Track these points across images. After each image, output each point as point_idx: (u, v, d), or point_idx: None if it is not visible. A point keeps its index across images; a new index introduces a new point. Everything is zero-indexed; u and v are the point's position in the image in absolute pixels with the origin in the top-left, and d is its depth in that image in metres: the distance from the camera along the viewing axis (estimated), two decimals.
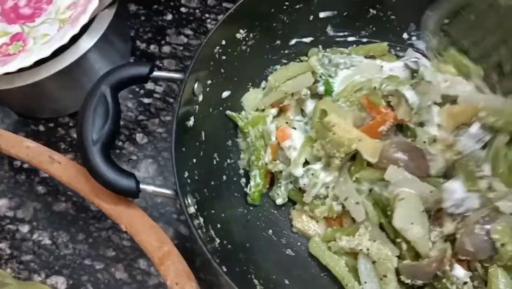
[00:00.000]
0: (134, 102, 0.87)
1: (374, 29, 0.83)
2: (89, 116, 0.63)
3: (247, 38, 0.76)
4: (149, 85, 0.88)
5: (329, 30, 0.83)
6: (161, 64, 0.90)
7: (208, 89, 0.72)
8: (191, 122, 0.69)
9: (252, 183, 0.75)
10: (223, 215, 0.72)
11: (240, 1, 0.72)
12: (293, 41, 0.81)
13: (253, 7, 0.74)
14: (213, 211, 0.70)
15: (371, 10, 0.81)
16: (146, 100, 0.88)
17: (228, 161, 0.77)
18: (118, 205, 0.65)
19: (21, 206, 0.81)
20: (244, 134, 0.78)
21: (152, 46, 0.91)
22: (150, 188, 0.64)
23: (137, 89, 0.88)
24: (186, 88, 0.67)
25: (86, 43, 0.76)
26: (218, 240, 0.67)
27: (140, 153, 0.84)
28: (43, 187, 0.82)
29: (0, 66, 0.73)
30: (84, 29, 0.76)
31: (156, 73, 0.68)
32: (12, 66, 0.73)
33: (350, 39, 0.84)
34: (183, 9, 0.94)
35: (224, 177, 0.75)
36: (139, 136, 0.85)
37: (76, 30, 0.73)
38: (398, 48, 0.83)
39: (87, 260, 0.77)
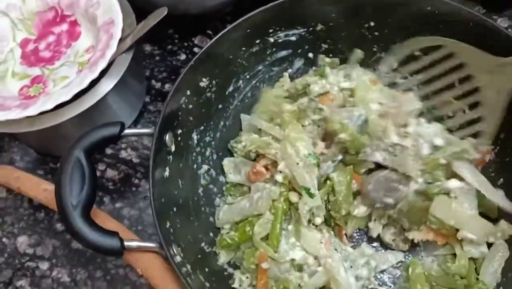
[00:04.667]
0: (150, 139, 0.89)
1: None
2: (66, 183, 0.64)
3: (210, 85, 0.79)
4: None
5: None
6: None
7: (179, 138, 0.75)
8: (166, 172, 0.72)
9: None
10: None
11: (199, 53, 0.75)
12: (254, 82, 0.85)
13: (212, 56, 0.77)
14: (199, 256, 0.72)
15: (323, 45, 0.85)
16: None
17: None
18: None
19: (40, 243, 0.83)
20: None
21: (167, 86, 0.94)
22: (134, 244, 0.65)
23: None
24: (158, 141, 0.69)
25: (105, 86, 0.77)
26: (207, 284, 0.69)
27: None
28: (61, 224, 0.84)
29: (21, 110, 0.75)
30: (103, 72, 0.78)
31: (127, 131, 0.70)
32: (33, 110, 0.74)
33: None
34: (196, 49, 0.97)
35: (211, 219, 0.78)
36: None
37: (95, 75, 0.75)
38: None
39: None
